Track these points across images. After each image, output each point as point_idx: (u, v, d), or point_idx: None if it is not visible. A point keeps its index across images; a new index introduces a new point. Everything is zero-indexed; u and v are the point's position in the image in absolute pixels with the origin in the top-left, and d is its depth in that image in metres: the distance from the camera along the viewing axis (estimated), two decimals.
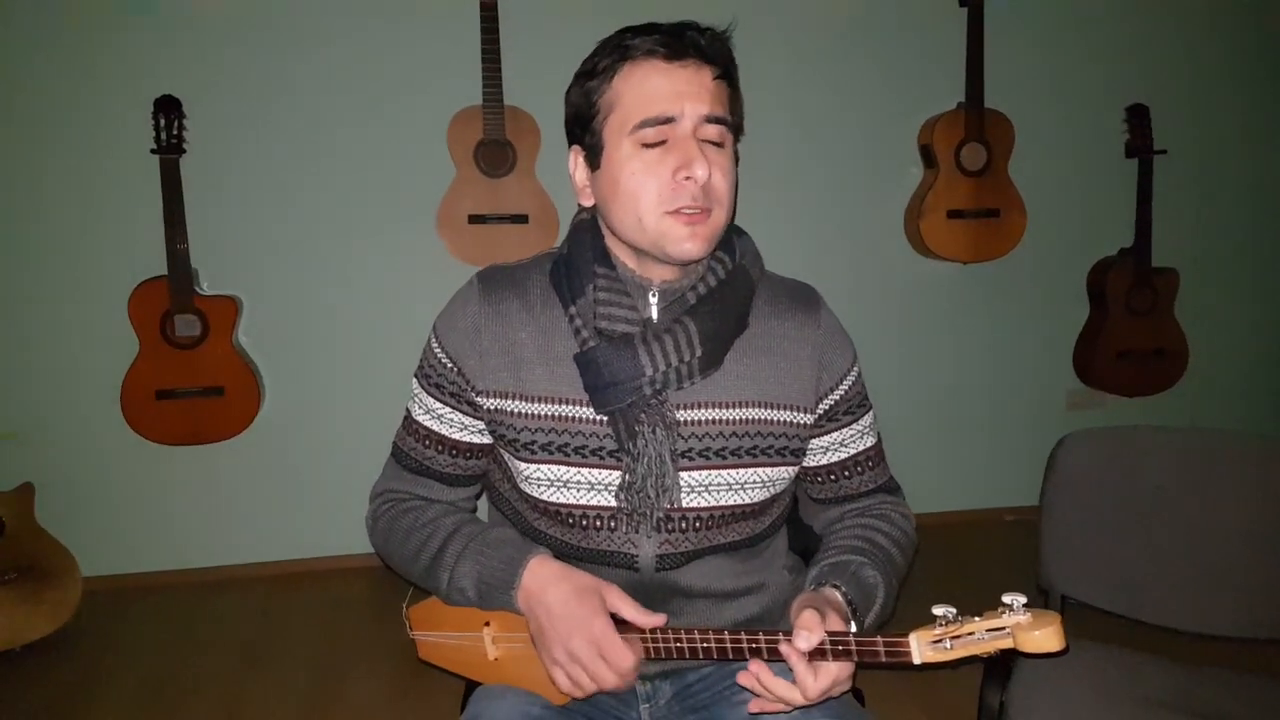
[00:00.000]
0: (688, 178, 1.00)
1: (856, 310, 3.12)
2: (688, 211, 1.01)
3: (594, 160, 1.07)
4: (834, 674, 0.94)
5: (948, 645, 0.88)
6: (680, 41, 1.01)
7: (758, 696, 0.98)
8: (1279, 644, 1.41)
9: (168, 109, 2.59)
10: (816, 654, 0.94)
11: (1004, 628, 0.86)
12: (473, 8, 2.66)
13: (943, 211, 2.95)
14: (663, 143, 1.01)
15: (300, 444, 2.92)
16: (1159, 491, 1.47)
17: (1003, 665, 1.40)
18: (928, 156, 3.00)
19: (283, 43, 2.73)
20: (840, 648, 0.93)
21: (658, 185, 1.01)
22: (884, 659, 0.92)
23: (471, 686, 1.21)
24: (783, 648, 0.94)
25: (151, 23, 2.65)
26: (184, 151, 2.62)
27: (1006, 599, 0.87)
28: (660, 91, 1.00)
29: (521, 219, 2.73)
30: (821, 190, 3.09)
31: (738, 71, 1.08)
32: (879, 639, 0.92)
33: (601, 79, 1.04)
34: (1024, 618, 0.85)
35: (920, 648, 0.89)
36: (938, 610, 0.89)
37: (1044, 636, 0.84)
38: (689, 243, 1.02)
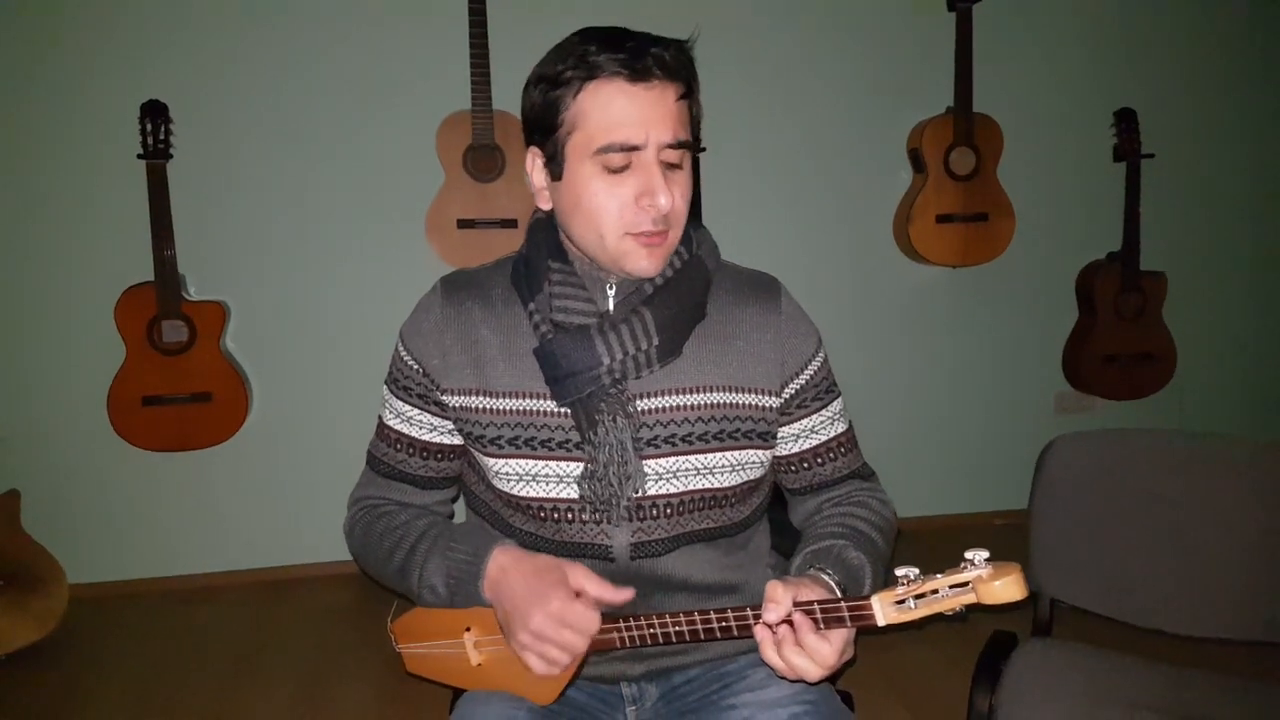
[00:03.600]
0: (650, 204, 1.02)
1: (845, 314, 3.14)
2: (646, 233, 1.03)
3: (555, 171, 1.07)
4: (811, 648, 0.92)
5: (911, 604, 0.88)
6: (643, 61, 1.00)
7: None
8: (1268, 646, 1.41)
9: (155, 114, 2.58)
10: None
11: (966, 582, 0.85)
12: (461, 12, 2.65)
13: (932, 216, 2.96)
14: (626, 166, 1.02)
15: (288, 451, 2.91)
16: (1147, 494, 1.47)
17: (993, 666, 1.40)
18: (917, 161, 3.01)
19: (271, 48, 2.73)
20: (807, 615, 0.92)
21: (619, 207, 1.02)
22: (849, 624, 0.91)
23: (459, 693, 1.21)
24: (765, 618, 0.93)
25: (139, 27, 2.65)
26: (171, 156, 2.62)
27: (969, 554, 0.86)
28: (625, 117, 1.00)
29: (510, 223, 2.73)
30: (811, 195, 3.09)
31: (699, 83, 1.07)
32: (843, 604, 0.91)
33: (565, 91, 1.02)
34: (985, 570, 0.85)
35: (884, 609, 0.89)
36: (900, 571, 0.89)
37: (1004, 587, 0.83)
38: (646, 261, 1.05)
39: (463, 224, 2.72)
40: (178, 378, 2.63)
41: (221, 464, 2.84)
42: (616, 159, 1.01)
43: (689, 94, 1.05)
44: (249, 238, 2.80)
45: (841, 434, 1.22)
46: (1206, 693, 1.38)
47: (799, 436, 1.19)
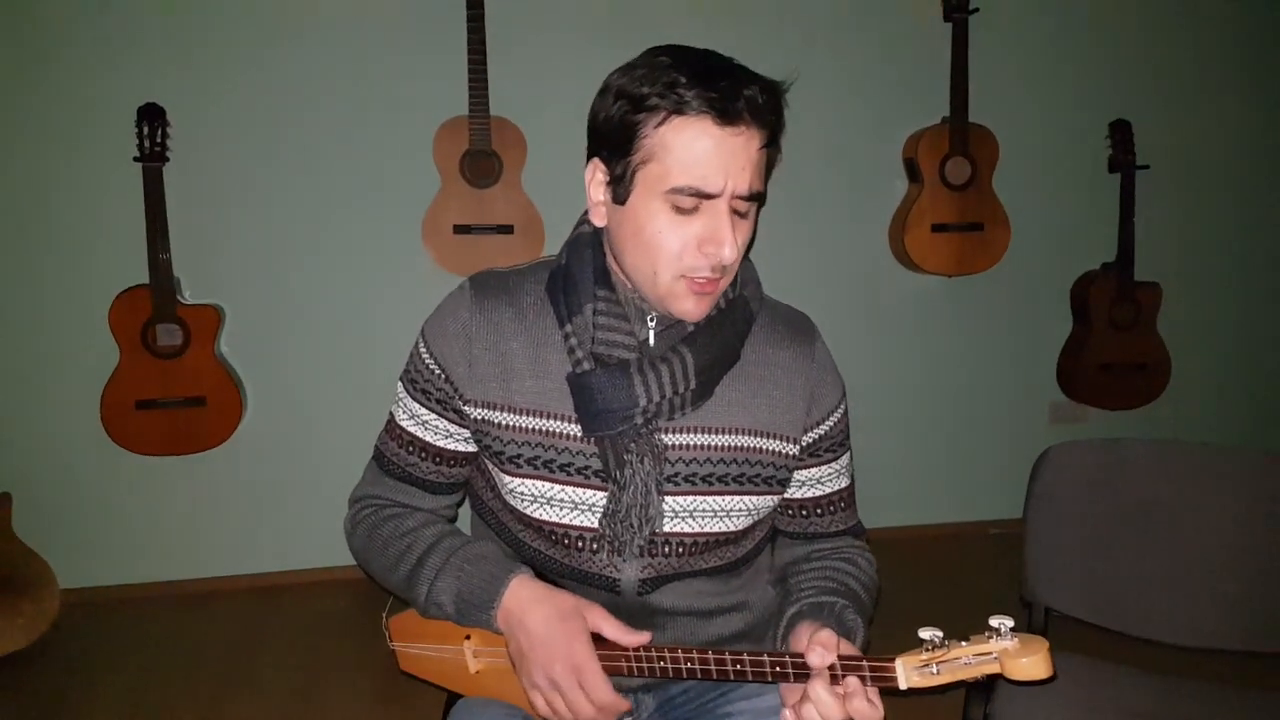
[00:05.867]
0: (714, 251, 0.98)
1: (841, 324, 3.14)
2: (700, 280, 1.00)
3: (619, 194, 1.02)
4: (864, 714, 0.93)
5: (934, 670, 0.87)
6: (735, 104, 0.95)
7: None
8: (1262, 656, 1.41)
9: (151, 117, 2.57)
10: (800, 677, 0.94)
11: (991, 653, 0.85)
12: (459, 18, 2.66)
13: (927, 225, 2.97)
14: (695, 209, 0.98)
15: (282, 455, 2.90)
16: (1142, 504, 1.48)
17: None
18: (912, 170, 3.02)
19: (268, 52, 2.72)
20: (828, 672, 0.92)
21: (680, 246, 0.99)
22: (869, 684, 0.91)
23: (453, 699, 1.20)
24: (812, 659, 0.94)
25: (135, 30, 2.64)
26: (167, 160, 2.61)
27: (994, 622, 0.85)
28: (706, 161, 0.95)
29: (507, 229, 2.73)
30: (806, 204, 3.10)
31: (784, 129, 1.03)
32: (864, 663, 0.91)
33: (647, 117, 0.97)
34: (1011, 643, 0.84)
35: (906, 673, 0.89)
36: (924, 634, 0.88)
37: (1031, 664, 0.83)
38: (693, 306, 1.02)
39: (459, 229, 2.72)
40: (171, 381, 2.62)
41: (215, 469, 2.83)
42: (688, 202, 0.97)
43: (773, 142, 1.01)
44: (245, 242, 2.79)
45: (844, 489, 1.21)
46: (1201, 702, 1.38)
47: (803, 484, 1.18)
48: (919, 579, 2.75)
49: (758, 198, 1.00)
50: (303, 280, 2.84)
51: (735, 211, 0.99)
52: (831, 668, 0.92)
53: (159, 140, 2.58)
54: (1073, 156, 3.22)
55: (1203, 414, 3.46)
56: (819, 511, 1.20)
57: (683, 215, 0.98)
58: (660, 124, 0.96)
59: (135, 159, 2.57)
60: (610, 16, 2.78)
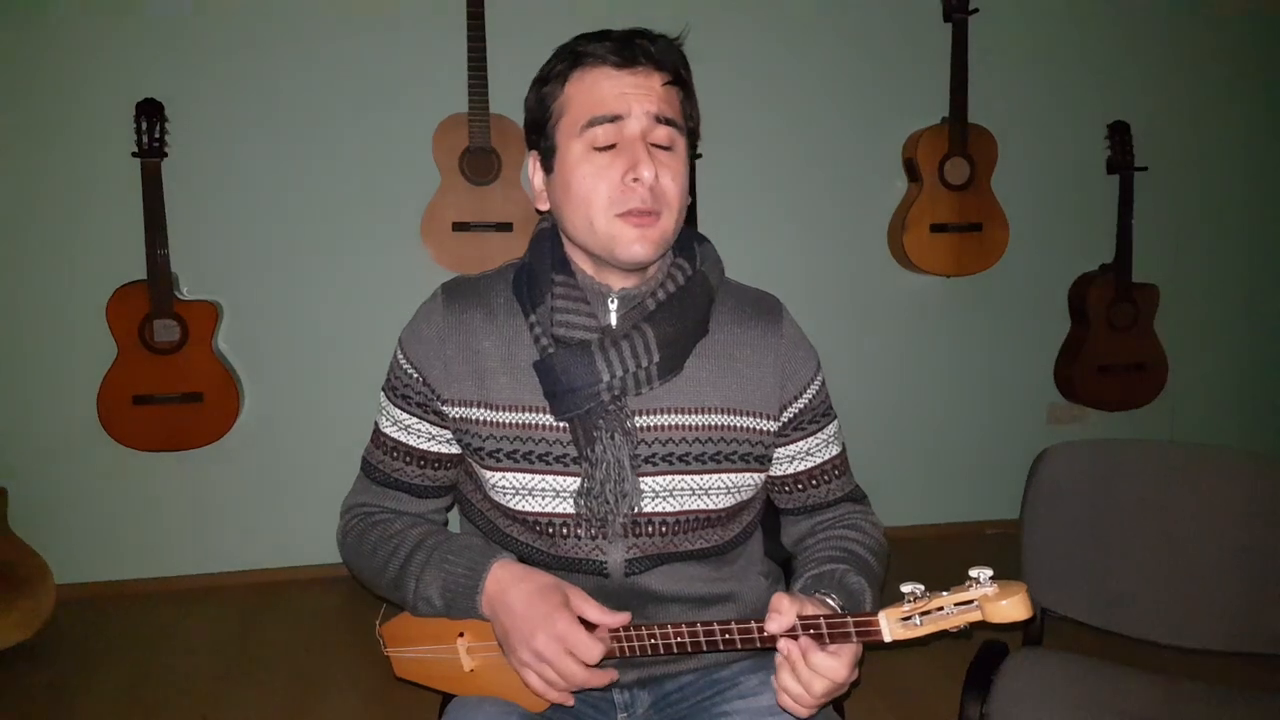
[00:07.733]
0: (635, 179, 1.01)
1: (838, 323, 3.15)
2: (636, 214, 1.02)
3: (548, 164, 1.08)
4: (823, 666, 0.93)
5: (917, 621, 0.89)
6: (629, 49, 1.03)
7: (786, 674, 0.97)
8: (1260, 658, 1.42)
9: (150, 112, 2.57)
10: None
11: (972, 600, 0.86)
12: (459, 15, 2.66)
13: (926, 225, 2.97)
14: (612, 146, 1.03)
15: (279, 452, 2.89)
16: (1139, 505, 1.48)
17: (984, 676, 1.40)
18: (911, 170, 3.02)
19: (268, 48, 2.72)
20: (811, 631, 0.93)
21: (608, 188, 1.02)
22: (855, 639, 0.92)
23: (449, 698, 1.20)
24: (781, 644, 0.94)
25: (135, 25, 2.64)
26: (166, 155, 2.61)
27: (973, 572, 0.87)
28: (610, 93, 1.02)
29: (506, 227, 2.73)
30: (805, 203, 3.10)
31: (691, 76, 1.09)
32: (849, 619, 0.92)
33: (554, 83, 1.06)
34: (990, 589, 0.86)
35: (890, 625, 0.90)
36: (906, 587, 0.89)
37: (1011, 606, 0.84)
38: (637, 245, 1.03)
39: (458, 227, 2.72)
40: (169, 377, 2.62)
41: (211, 465, 2.83)
42: (601, 134, 1.02)
43: (678, 82, 1.06)
44: (243, 238, 2.78)
45: (835, 457, 1.22)
46: (1199, 704, 1.38)
47: (794, 458, 1.19)
48: (915, 578, 2.75)
49: (673, 124, 1.05)
50: (301, 277, 2.84)
51: (656, 145, 1.03)
52: (817, 629, 0.92)
53: (158, 136, 2.58)
54: (1071, 157, 3.23)
55: (1200, 415, 3.46)
56: (814, 483, 1.21)
57: (602, 154, 1.03)
58: (566, 81, 1.05)
59: (134, 154, 2.56)
60: (609, 13, 2.78)
